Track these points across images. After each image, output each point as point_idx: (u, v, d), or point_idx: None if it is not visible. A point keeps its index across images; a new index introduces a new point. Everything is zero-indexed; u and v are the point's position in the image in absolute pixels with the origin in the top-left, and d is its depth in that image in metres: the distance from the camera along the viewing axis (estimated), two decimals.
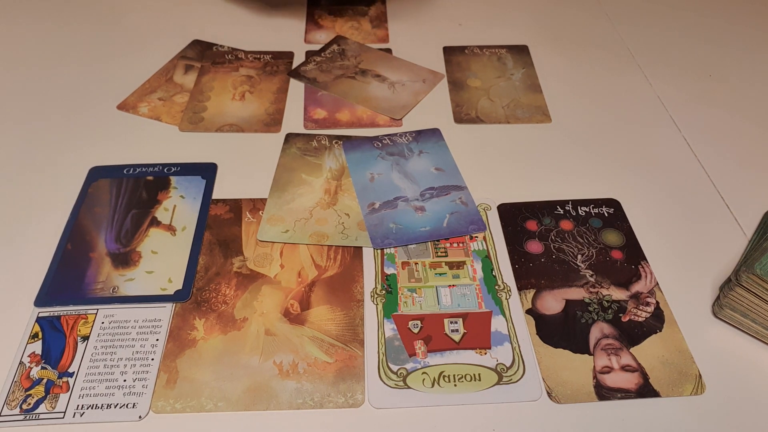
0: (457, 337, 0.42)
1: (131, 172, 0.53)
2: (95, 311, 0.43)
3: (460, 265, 0.47)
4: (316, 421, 0.38)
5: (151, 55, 0.66)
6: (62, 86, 0.62)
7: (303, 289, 0.45)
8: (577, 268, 0.46)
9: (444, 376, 0.40)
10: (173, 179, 0.53)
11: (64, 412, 0.38)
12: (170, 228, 0.49)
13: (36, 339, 0.42)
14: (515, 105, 0.61)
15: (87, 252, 0.47)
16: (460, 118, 0.59)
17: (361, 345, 0.42)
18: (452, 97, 0.62)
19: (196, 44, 0.68)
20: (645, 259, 0.47)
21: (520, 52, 0.68)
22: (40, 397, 0.39)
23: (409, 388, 0.40)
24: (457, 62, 0.66)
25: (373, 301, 0.44)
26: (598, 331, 0.43)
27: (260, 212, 0.50)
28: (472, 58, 0.67)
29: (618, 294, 0.45)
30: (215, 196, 0.52)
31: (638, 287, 0.45)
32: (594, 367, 0.41)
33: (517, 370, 0.40)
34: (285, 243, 0.48)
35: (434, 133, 0.58)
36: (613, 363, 0.41)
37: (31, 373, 0.40)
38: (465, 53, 0.68)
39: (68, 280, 0.45)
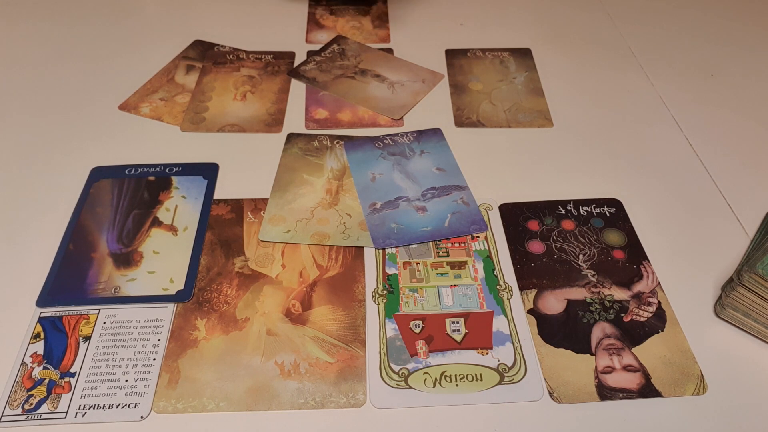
0: (458, 337, 0.42)
1: (133, 172, 0.53)
2: (97, 311, 0.43)
3: (461, 265, 0.47)
4: (318, 421, 0.38)
5: (152, 55, 0.66)
6: (64, 86, 0.63)
7: (304, 289, 0.45)
8: (579, 268, 0.46)
9: (445, 376, 0.40)
10: (175, 179, 0.53)
11: (66, 412, 0.38)
12: (172, 228, 0.49)
13: (38, 339, 0.42)
14: (517, 109, 0.61)
15: (89, 252, 0.47)
16: (461, 122, 0.59)
17: (363, 345, 0.42)
18: (453, 101, 0.62)
19: (198, 44, 0.68)
20: (647, 258, 0.47)
21: (523, 55, 0.68)
22: (42, 397, 0.39)
23: (410, 388, 0.40)
24: (459, 65, 0.66)
25: (374, 301, 0.44)
26: (599, 331, 0.43)
27: (262, 212, 0.50)
28: (474, 61, 0.67)
29: (620, 294, 0.45)
30: (217, 196, 0.52)
31: (640, 287, 0.45)
32: (596, 367, 0.41)
33: (519, 370, 0.40)
34: (286, 243, 0.48)
35: (435, 133, 0.58)
36: (614, 363, 0.41)
37: (33, 374, 0.40)
38: (467, 56, 0.68)
39: (70, 280, 0.45)
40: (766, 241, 0.43)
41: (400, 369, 0.40)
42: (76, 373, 0.40)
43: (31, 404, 0.38)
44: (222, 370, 0.40)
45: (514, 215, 0.50)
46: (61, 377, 0.40)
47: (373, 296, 0.45)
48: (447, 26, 0.72)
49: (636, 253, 0.48)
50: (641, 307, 0.44)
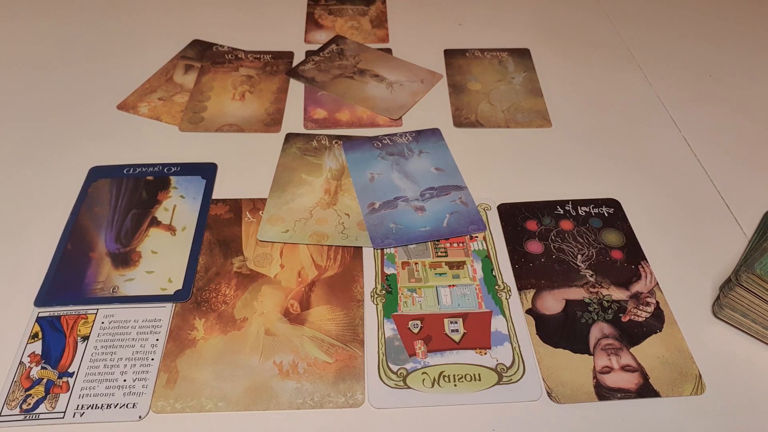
0: (457, 337, 0.42)
1: (131, 172, 0.53)
2: (95, 311, 0.43)
3: (460, 265, 0.47)
4: (316, 421, 0.38)
5: (151, 55, 0.66)
6: (62, 86, 0.62)
7: (303, 289, 0.45)
8: (577, 268, 0.46)
9: (444, 376, 0.40)
10: (173, 179, 0.53)
11: (64, 412, 0.38)
12: (170, 228, 0.49)
13: (36, 339, 0.42)
14: (515, 109, 0.61)
15: (87, 252, 0.47)
16: (459, 122, 0.59)
17: (361, 345, 0.42)
18: (452, 101, 0.62)
19: (196, 44, 0.68)
20: (645, 259, 0.47)
21: (522, 55, 0.68)
22: (40, 397, 0.39)
23: (409, 388, 0.40)
24: (458, 65, 0.66)
25: (373, 301, 0.44)
26: (598, 331, 0.43)
27: (260, 212, 0.50)
28: (473, 61, 0.67)
29: (618, 294, 0.45)
30: (215, 196, 0.52)
31: (638, 287, 0.45)
32: (594, 367, 0.41)
33: (517, 370, 0.40)
34: (285, 243, 0.48)
35: (434, 133, 0.58)
36: (613, 363, 0.41)
37: (31, 373, 0.40)
38: (466, 56, 0.68)
39: (68, 280, 0.45)
40: (764, 241, 0.43)
41: (399, 369, 0.40)
42: (74, 373, 0.40)
43: (29, 404, 0.38)
44: (220, 370, 0.40)
45: (513, 215, 0.50)
46: (59, 377, 0.40)
47: (371, 296, 0.45)
48: (446, 26, 0.72)
49: (634, 253, 0.48)
50: (639, 308, 0.44)
